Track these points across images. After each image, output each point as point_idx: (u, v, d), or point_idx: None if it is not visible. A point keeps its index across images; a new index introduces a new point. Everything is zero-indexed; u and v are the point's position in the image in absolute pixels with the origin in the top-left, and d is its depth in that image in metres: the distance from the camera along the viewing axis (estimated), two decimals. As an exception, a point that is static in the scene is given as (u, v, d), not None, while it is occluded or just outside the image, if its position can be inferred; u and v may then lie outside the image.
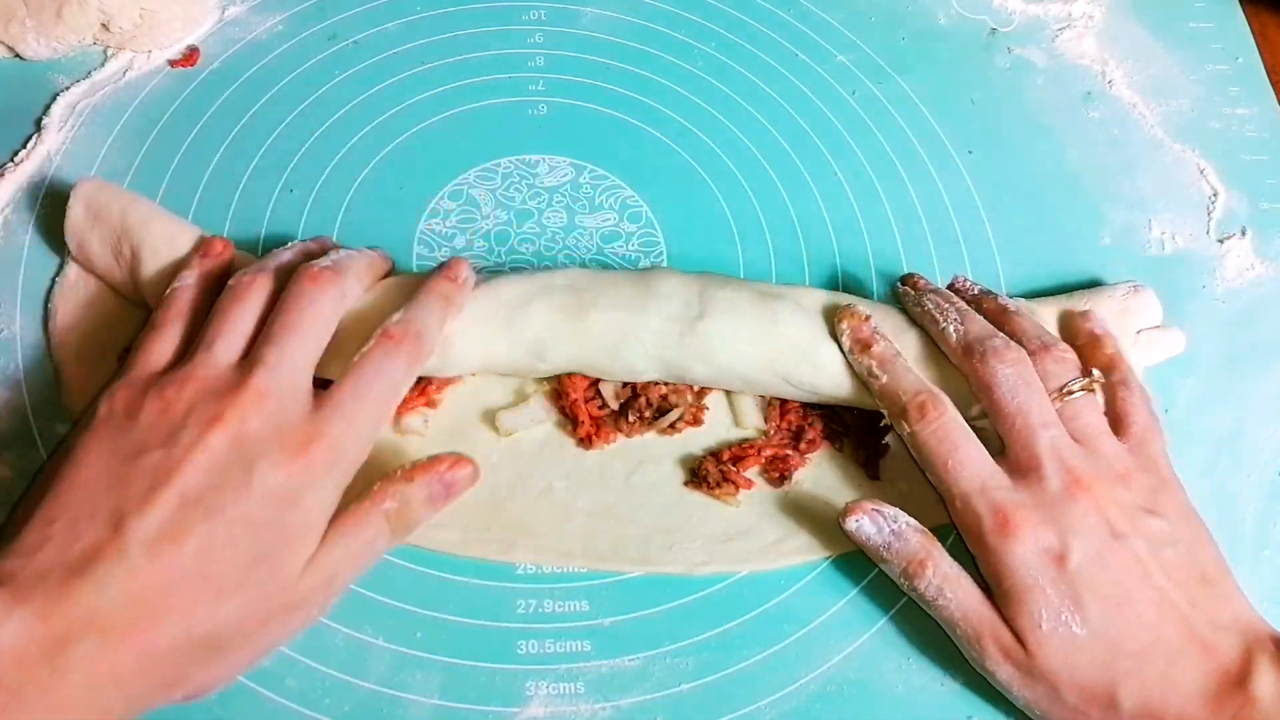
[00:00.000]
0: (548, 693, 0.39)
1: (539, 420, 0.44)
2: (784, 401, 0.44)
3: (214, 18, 0.54)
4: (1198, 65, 0.57)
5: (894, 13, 0.58)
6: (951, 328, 0.41)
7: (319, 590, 0.35)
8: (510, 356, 0.41)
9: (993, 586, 0.38)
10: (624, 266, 0.49)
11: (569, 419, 0.44)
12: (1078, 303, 0.46)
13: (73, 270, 0.45)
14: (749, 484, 0.43)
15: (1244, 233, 0.51)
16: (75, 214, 0.43)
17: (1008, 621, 0.37)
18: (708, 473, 0.42)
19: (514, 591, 0.41)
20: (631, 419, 0.43)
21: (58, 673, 0.30)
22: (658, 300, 0.42)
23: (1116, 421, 0.41)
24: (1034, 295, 0.48)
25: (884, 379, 0.40)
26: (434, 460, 0.38)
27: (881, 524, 0.39)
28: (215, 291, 0.40)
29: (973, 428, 0.40)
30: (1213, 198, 0.53)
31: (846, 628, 0.41)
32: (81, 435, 0.35)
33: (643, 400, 0.43)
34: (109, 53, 0.52)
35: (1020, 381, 0.40)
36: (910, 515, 0.40)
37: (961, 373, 0.41)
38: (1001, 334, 0.42)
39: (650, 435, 0.44)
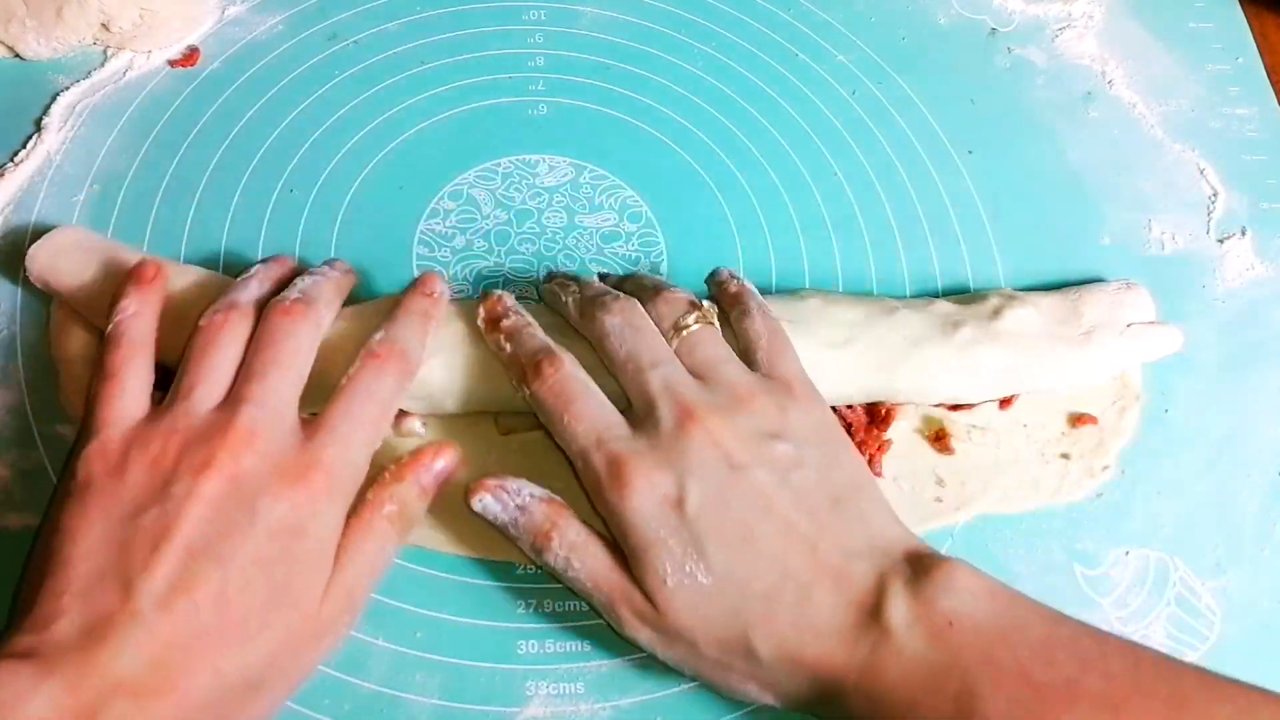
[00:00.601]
0: (548, 693, 0.39)
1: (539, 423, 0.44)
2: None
3: (214, 18, 0.54)
4: (1198, 65, 0.57)
5: (894, 13, 0.58)
6: (571, 298, 0.41)
7: (343, 610, 0.35)
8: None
9: (622, 547, 0.36)
10: (624, 266, 0.49)
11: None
12: (1069, 296, 0.46)
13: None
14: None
15: (1244, 233, 0.51)
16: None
17: (638, 582, 0.35)
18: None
19: (514, 591, 0.41)
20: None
21: None
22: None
23: (743, 353, 0.40)
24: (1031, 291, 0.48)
25: (509, 348, 0.39)
26: (417, 454, 0.38)
27: (506, 500, 0.37)
28: (156, 318, 0.39)
29: None
30: (1213, 198, 0.53)
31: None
32: (68, 503, 0.34)
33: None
34: (109, 53, 0.52)
35: (628, 327, 0.39)
36: (907, 515, 0.39)
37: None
38: (613, 290, 0.41)
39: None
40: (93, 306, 0.42)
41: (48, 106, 0.50)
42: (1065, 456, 0.44)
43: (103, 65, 0.52)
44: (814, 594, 0.34)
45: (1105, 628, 0.40)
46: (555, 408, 0.37)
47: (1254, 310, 0.49)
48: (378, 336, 0.38)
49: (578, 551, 0.36)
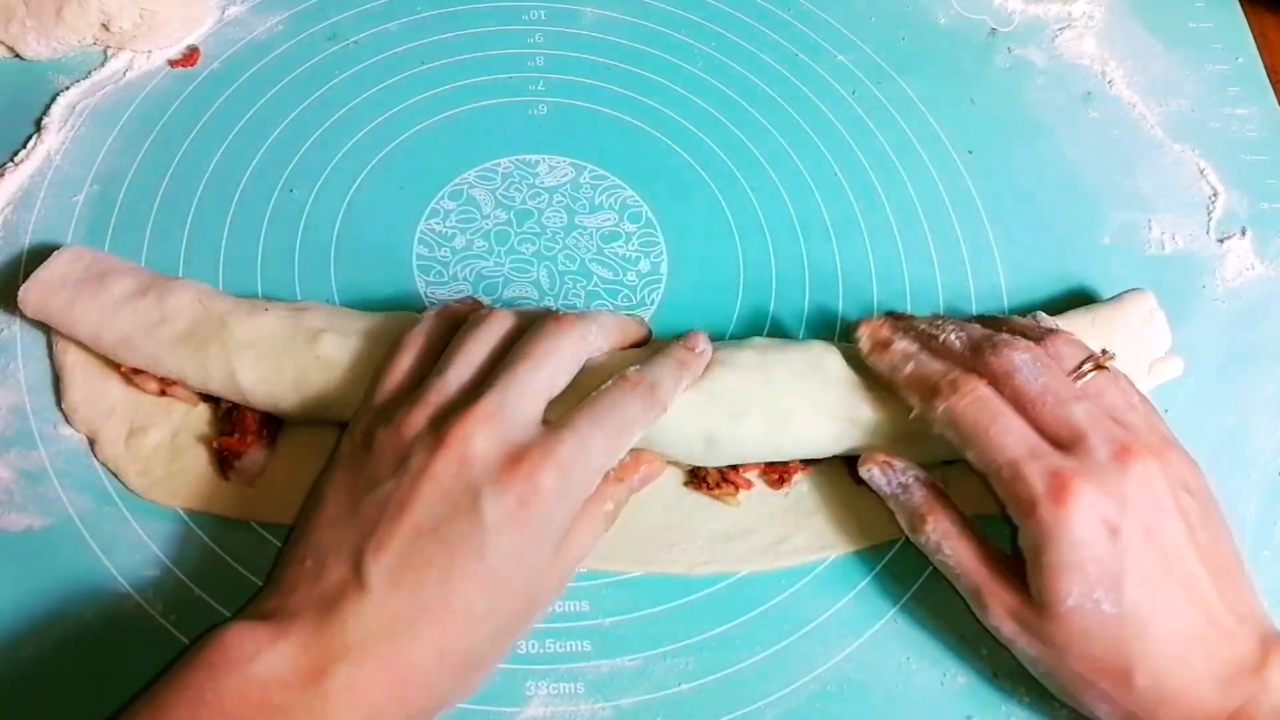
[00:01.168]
0: (548, 693, 0.39)
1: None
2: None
3: (214, 18, 0.54)
4: (1198, 65, 0.57)
5: (894, 13, 0.58)
6: (953, 336, 0.41)
7: (554, 592, 0.37)
8: None
9: (1030, 554, 0.36)
10: (624, 267, 0.49)
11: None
12: (1085, 319, 0.45)
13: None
14: (748, 485, 0.43)
15: (1244, 233, 0.51)
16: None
17: (1035, 587, 0.36)
18: (707, 473, 0.42)
19: (514, 591, 0.41)
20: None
21: (321, 699, 0.31)
22: None
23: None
24: (1039, 304, 0.48)
25: (909, 367, 0.40)
26: (634, 458, 0.39)
27: (891, 476, 0.40)
28: (446, 336, 0.40)
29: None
30: (1213, 198, 0.53)
31: (846, 628, 0.41)
32: (328, 473, 0.37)
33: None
34: (109, 53, 0.52)
35: (1039, 365, 0.38)
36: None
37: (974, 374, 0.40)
38: (1002, 332, 0.41)
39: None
40: (90, 341, 0.42)
41: (48, 106, 0.50)
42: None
43: (103, 65, 0.52)
44: (1204, 645, 0.35)
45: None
46: (979, 421, 0.37)
47: (1254, 310, 0.49)
48: (634, 367, 0.39)
49: (950, 540, 0.38)
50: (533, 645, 0.40)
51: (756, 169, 0.52)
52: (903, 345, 0.40)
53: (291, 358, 0.41)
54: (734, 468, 0.43)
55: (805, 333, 0.47)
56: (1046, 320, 0.44)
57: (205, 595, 0.40)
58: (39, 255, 0.45)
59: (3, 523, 0.40)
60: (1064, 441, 0.37)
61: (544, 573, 0.36)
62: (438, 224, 0.49)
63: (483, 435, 0.35)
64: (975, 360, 0.39)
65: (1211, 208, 0.52)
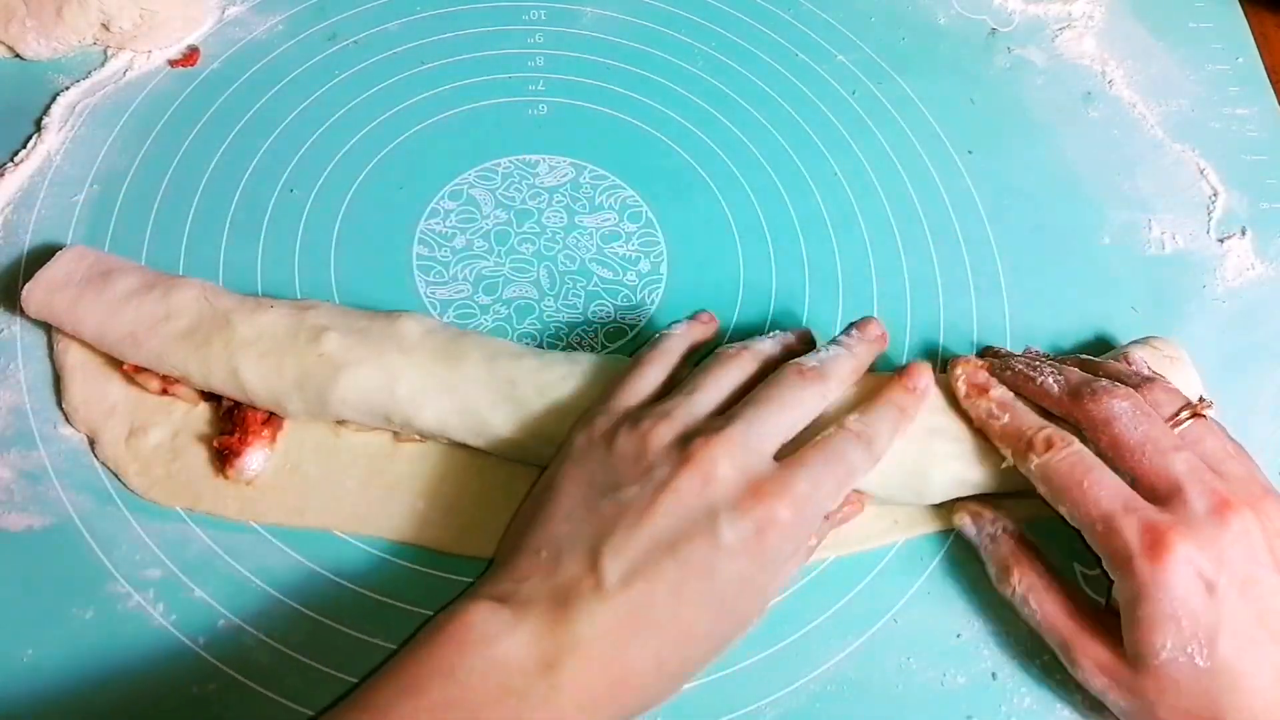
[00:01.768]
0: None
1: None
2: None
3: (214, 18, 0.54)
4: (1198, 65, 0.57)
5: (894, 13, 0.58)
6: (1050, 379, 0.40)
7: (760, 615, 0.37)
8: None
9: (1125, 608, 0.36)
10: (624, 267, 0.49)
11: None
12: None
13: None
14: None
15: (1244, 233, 0.51)
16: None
17: (1129, 639, 0.36)
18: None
19: (514, 591, 0.41)
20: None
21: (552, 689, 0.32)
22: None
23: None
24: (1039, 304, 0.48)
25: (1005, 418, 0.40)
26: (845, 501, 0.40)
27: (981, 526, 0.41)
28: (689, 348, 0.43)
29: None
30: (1213, 198, 0.53)
31: (846, 628, 0.41)
32: (563, 465, 0.38)
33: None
34: (109, 53, 0.52)
35: (1139, 413, 0.38)
36: (906, 512, 0.40)
37: (1071, 421, 0.40)
38: (1099, 377, 0.41)
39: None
40: (95, 339, 0.42)
41: (48, 106, 0.50)
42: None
43: (103, 65, 0.52)
44: None
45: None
46: (1072, 476, 0.37)
47: (1254, 310, 0.49)
48: (854, 416, 0.39)
49: (1036, 593, 0.38)
50: (533, 645, 0.40)
51: (756, 169, 0.52)
52: (999, 394, 0.41)
53: (295, 356, 0.41)
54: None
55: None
56: (1141, 365, 0.43)
57: (205, 595, 0.40)
58: (39, 256, 0.45)
59: (3, 523, 0.40)
60: (1161, 494, 0.37)
61: (767, 607, 0.37)
62: (438, 224, 0.49)
63: (727, 460, 0.36)
64: (1074, 405, 0.39)
65: (1211, 208, 0.52)
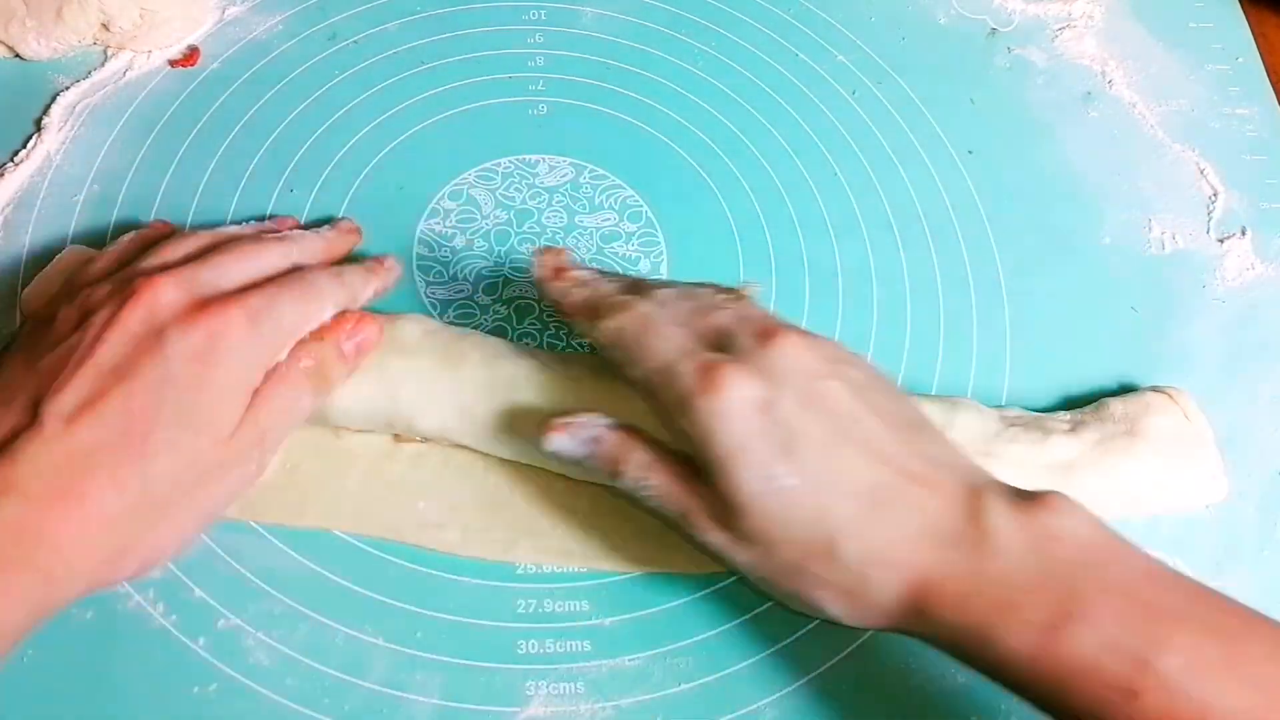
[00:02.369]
0: (548, 693, 0.39)
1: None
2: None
3: (214, 18, 0.54)
4: (1198, 65, 0.57)
5: (894, 13, 0.58)
6: (610, 285, 0.40)
7: (253, 447, 0.36)
8: None
9: (700, 458, 0.35)
10: (624, 267, 0.49)
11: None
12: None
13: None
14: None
15: (1244, 233, 0.51)
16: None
17: (717, 488, 0.35)
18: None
19: (514, 591, 0.41)
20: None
21: (6, 533, 0.31)
22: None
23: None
24: (1038, 303, 0.49)
25: (586, 292, 0.40)
26: (339, 319, 0.39)
27: (580, 434, 0.38)
28: (153, 236, 0.41)
29: None
30: (1213, 198, 0.53)
31: (846, 628, 0.41)
32: (4, 351, 0.37)
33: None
34: (109, 53, 0.52)
35: (682, 292, 0.39)
36: None
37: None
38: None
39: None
40: None
41: (48, 106, 0.50)
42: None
43: (103, 65, 0.52)
44: (904, 499, 0.33)
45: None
46: (633, 332, 0.37)
47: (1254, 310, 0.49)
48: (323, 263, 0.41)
49: (651, 469, 0.36)
50: (533, 645, 0.40)
51: (756, 169, 0.52)
52: (577, 273, 0.41)
53: None
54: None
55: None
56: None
57: (205, 595, 0.40)
58: (39, 258, 0.45)
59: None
60: (713, 344, 0.37)
61: (232, 416, 0.35)
62: (438, 224, 0.49)
63: (174, 288, 0.35)
64: (634, 294, 0.39)
65: (1211, 208, 0.52)
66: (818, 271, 0.49)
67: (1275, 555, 0.43)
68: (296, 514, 0.41)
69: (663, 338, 0.37)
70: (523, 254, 0.49)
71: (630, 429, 0.38)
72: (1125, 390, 0.45)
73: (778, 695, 0.39)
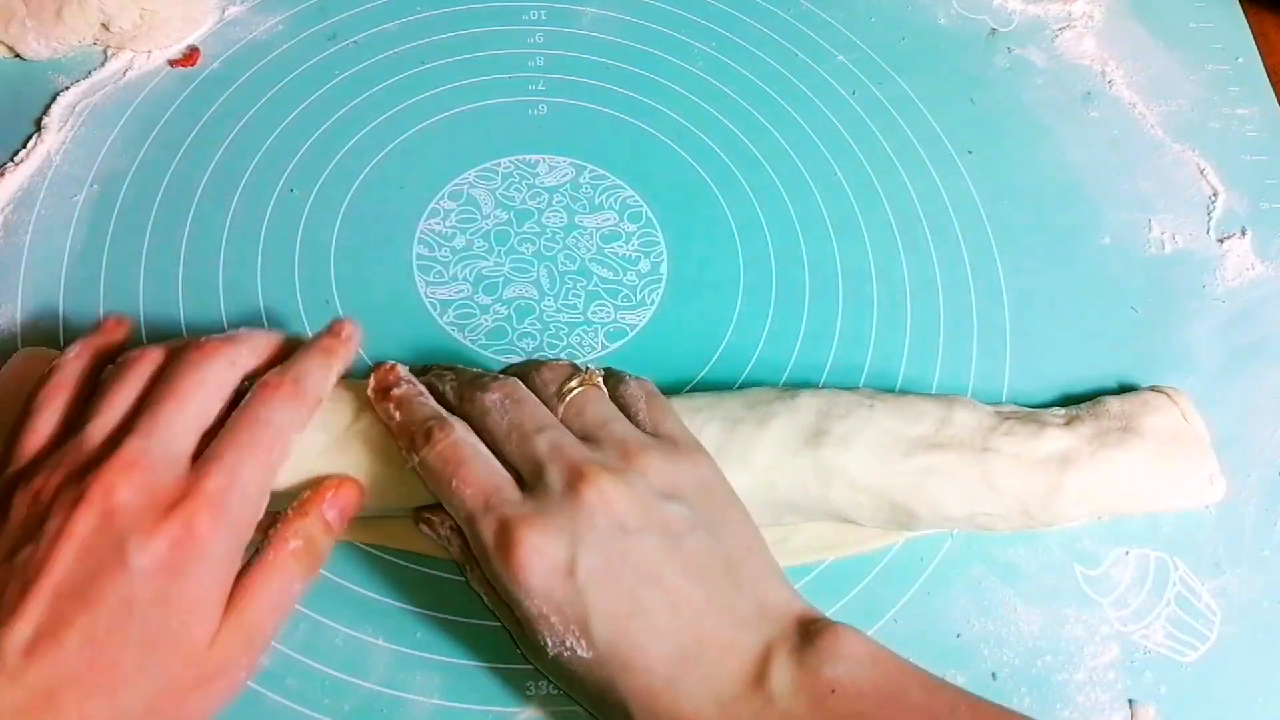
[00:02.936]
0: (548, 693, 0.39)
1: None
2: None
3: (214, 18, 0.54)
4: (1198, 65, 0.57)
5: (894, 13, 0.58)
6: (448, 387, 0.39)
7: (240, 653, 0.33)
8: None
9: (510, 610, 0.35)
10: (624, 267, 0.49)
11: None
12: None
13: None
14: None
15: (1244, 233, 0.51)
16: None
17: (525, 637, 0.35)
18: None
19: (514, 591, 0.41)
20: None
21: None
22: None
23: (626, 417, 0.39)
24: (1038, 305, 0.49)
25: (398, 416, 0.37)
26: (319, 489, 0.37)
27: (434, 527, 0.38)
28: (92, 364, 0.38)
29: None
30: (1213, 198, 0.53)
31: (846, 628, 0.41)
32: None
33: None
34: (109, 53, 0.52)
35: (509, 400, 0.37)
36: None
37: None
38: (492, 373, 0.40)
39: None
40: None
41: (48, 106, 0.50)
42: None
43: (103, 65, 0.52)
44: (699, 666, 0.33)
45: (1105, 628, 0.41)
46: (444, 472, 0.35)
47: (1254, 310, 0.49)
48: (273, 370, 0.36)
49: (474, 580, 0.38)
50: (533, 645, 0.40)
51: (756, 169, 0.52)
52: (401, 391, 0.38)
53: None
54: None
55: (805, 332, 0.47)
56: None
57: (205, 595, 0.39)
58: (40, 255, 0.45)
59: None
60: (529, 479, 0.36)
61: (208, 626, 0.32)
62: (438, 224, 0.49)
63: (127, 485, 0.32)
64: (459, 406, 0.38)
65: (1211, 208, 0.52)
66: (818, 271, 0.49)
67: (1274, 555, 0.43)
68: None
69: (467, 480, 0.35)
70: (523, 254, 0.49)
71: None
72: (1125, 390, 0.45)
73: (778, 695, 0.39)
